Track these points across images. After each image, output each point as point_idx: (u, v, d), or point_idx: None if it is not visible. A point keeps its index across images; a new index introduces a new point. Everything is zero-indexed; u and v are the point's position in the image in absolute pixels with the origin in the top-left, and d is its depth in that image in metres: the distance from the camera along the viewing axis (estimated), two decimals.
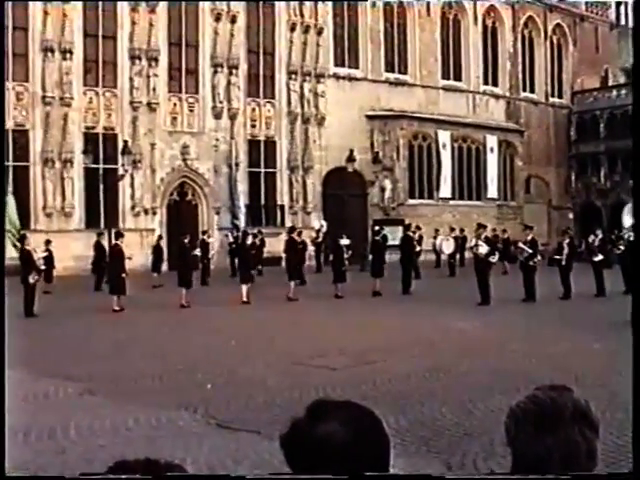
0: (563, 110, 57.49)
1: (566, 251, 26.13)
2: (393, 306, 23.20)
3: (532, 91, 56.26)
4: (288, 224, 41.18)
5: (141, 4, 39.33)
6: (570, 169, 57.31)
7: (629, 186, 47.92)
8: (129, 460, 1.78)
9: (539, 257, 25.57)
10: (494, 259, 25.05)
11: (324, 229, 37.64)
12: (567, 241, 26.93)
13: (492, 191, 51.11)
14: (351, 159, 42.82)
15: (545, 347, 15.15)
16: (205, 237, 33.72)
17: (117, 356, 14.93)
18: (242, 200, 41.02)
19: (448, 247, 36.65)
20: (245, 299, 24.07)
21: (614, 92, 56.08)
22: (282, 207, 43.64)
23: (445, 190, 48.41)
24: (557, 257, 26.40)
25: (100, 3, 38.96)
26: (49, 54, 37.29)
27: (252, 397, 11.06)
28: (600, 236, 28.53)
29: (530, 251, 25.08)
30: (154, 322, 20.27)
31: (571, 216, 54.94)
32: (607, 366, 12.98)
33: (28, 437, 9.21)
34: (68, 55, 37.63)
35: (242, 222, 39.57)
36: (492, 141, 51.31)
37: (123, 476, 1.76)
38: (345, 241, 27.25)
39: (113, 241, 23.94)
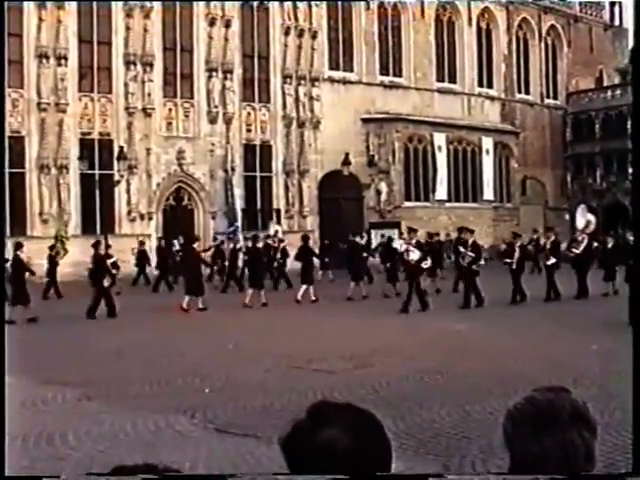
0: (558, 111, 57.56)
1: (517, 254, 25.18)
2: (385, 309, 23.16)
3: (527, 92, 56.31)
4: (285, 228, 41.24)
5: (135, 9, 39.33)
6: (566, 170, 57.38)
7: (625, 186, 48.06)
8: (128, 465, 1.78)
9: (482, 261, 24.61)
10: (426, 265, 23.94)
11: (279, 234, 35.91)
12: (518, 244, 25.94)
13: (488, 193, 51.14)
14: (347, 162, 42.85)
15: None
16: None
17: (117, 360, 14.93)
18: (238, 204, 41.01)
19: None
20: (313, 298, 25.55)
21: (609, 93, 56.20)
22: (278, 211, 43.62)
23: (441, 192, 48.44)
24: (508, 260, 25.42)
25: (95, 9, 38.97)
26: (44, 60, 37.30)
27: (250, 401, 11.06)
28: (552, 238, 26.98)
29: (472, 255, 24.03)
30: (162, 326, 20.29)
31: (567, 217, 54.97)
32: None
33: (26, 443, 9.21)
34: (63, 61, 37.66)
35: (239, 227, 39.54)
36: (487, 143, 51.35)
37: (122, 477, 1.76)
38: (398, 244, 26.44)
39: (191, 245, 26.15)
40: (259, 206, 43.38)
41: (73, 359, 15.37)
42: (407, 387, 12.03)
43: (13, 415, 10.50)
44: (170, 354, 15.67)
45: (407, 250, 23.63)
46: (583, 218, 28.99)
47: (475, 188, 50.65)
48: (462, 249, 24.61)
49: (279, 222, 40.98)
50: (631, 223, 25.76)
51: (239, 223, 39.89)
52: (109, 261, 23.78)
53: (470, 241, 24.68)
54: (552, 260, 25.73)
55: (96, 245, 24.11)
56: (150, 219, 39.72)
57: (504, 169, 52.90)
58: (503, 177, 52.79)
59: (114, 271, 23.88)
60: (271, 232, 36.27)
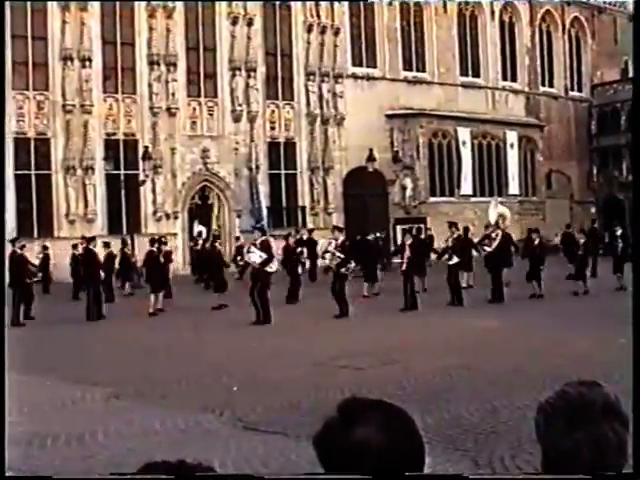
0: (583, 103, 57.18)
1: (407, 254, 22.31)
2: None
3: (551, 85, 55.98)
4: (310, 225, 41.27)
5: (158, 10, 39.47)
6: (591, 163, 56.99)
7: None
8: (159, 462, 1.77)
9: (352, 264, 21.99)
10: (272, 269, 20.72)
11: (203, 235, 33.76)
12: (409, 242, 22.83)
13: (513, 187, 50.91)
14: (371, 159, 42.79)
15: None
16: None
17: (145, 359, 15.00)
18: (264, 202, 41.07)
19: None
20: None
21: None
22: (303, 208, 43.66)
23: (466, 187, 48.28)
24: (398, 261, 23.39)
25: (117, 10, 39.14)
26: (68, 62, 37.55)
27: (278, 398, 11.07)
28: (455, 235, 24.13)
29: (341, 256, 21.30)
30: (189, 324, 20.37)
31: (593, 210, 54.64)
32: None
33: (57, 442, 9.26)
34: (87, 63, 37.89)
35: (265, 224, 39.56)
36: (512, 137, 51.12)
37: (148, 476, 1.76)
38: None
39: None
40: (284, 204, 43.44)
41: (102, 358, 15.46)
42: (434, 383, 12.00)
43: (44, 415, 10.60)
44: (196, 352, 15.74)
45: (248, 251, 21.02)
46: (495, 212, 26.44)
47: (500, 182, 50.43)
48: (331, 249, 22.01)
49: (202, 222, 38.90)
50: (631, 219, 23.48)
51: (265, 221, 39.94)
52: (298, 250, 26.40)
53: (339, 240, 22.04)
54: (455, 259, 23.25)
55: (287, 237, 27.48)
56: (176, 218, 39.87)
57: (529, 163, 52.65)
58: (528, 171, 52.53)
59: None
60: (195, 232, 34.83)
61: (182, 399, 11.39)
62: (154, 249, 24.80)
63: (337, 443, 1.92)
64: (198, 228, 36.62)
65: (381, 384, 11.57)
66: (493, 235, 24.52)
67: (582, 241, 26.00)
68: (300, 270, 25.92)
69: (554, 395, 2.14)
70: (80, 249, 27.96)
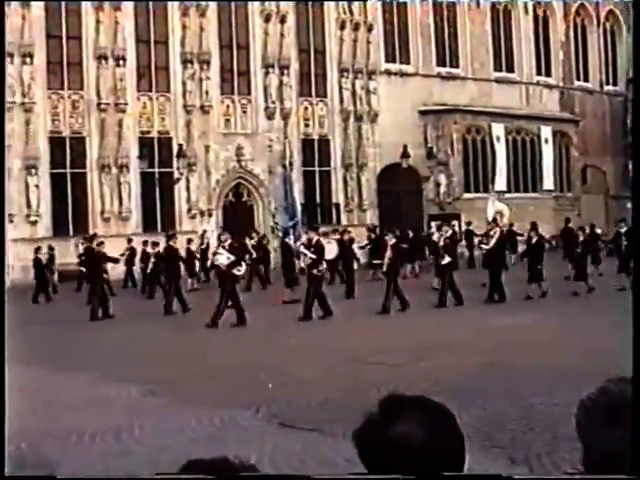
0: (618, 98, 56.52)
1: (389, 254, 21.23)
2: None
3: (586, 80, 55.46)
4: (344, 222, 41.22)
5: (191, 8, 39.61)
6: (627, 158, 56.40)
7: None
8: (203, 459, 1.77)
9: (325, 265, 20.95)
10: (240, 271, 20.30)
11: (208, 234, 32.50)
12: (392, 242, 21.64)
13: (548, 182, 50.53)
14: (405, 155, 42.67)
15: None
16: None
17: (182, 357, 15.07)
18: (297, 199, 41.01)
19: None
20: None
21: None
22: (337, 205, 43.62)
23: (500, 183, 47.93)
24: (377, 262, 22.50)
25: (151, 9, 39.35)
26: (103, 61, 37.79)
27: (313, 395, 11.08)
28: (448, 234, 23.24)
29: (313, 256, 20.24)
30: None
31: (629, 205, 54.09)
32: None
33: (94, 439, 9.34)
34: (121, 62, 38.11)
35: (299, 221, 39.48)
36: (547, 132, 50.72)
37: (192, 476, 1.76)
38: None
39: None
40: (318, 201, 43.42)
41: (138, 356, 15.55)
42: (469, 380, 11.94)
43: (81, 412, 10.69)
44: (231, 350, 15.80)
45: (215, 253, 20.45)
46: (493, 208, 25.64)
47: (535, 178, 50.08)
48: (302, 249, 21.27)
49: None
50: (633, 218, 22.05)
51: (299, 218, 39.88)
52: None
53: (313, 240, 21.07)
54: (446, 259, 22.06)
55: (342, 233, 27.46)
56: (210, 216, 39.97)
57: (564, 158, 52.17)
58: (563, 166, 52.06)
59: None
60: (200, 231, 34.14)
61: (218, 396, 11.43)
62: None
63: (378, 438, 1.91)
64: (204, 226, 36.20)
65: (417, 380, 11.54)
66: (491, 233, 23.57)
67: (581, 239, 25.01)
68: (356, 266, 25.40)
69: (595, 391, 2.12)
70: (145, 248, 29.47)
